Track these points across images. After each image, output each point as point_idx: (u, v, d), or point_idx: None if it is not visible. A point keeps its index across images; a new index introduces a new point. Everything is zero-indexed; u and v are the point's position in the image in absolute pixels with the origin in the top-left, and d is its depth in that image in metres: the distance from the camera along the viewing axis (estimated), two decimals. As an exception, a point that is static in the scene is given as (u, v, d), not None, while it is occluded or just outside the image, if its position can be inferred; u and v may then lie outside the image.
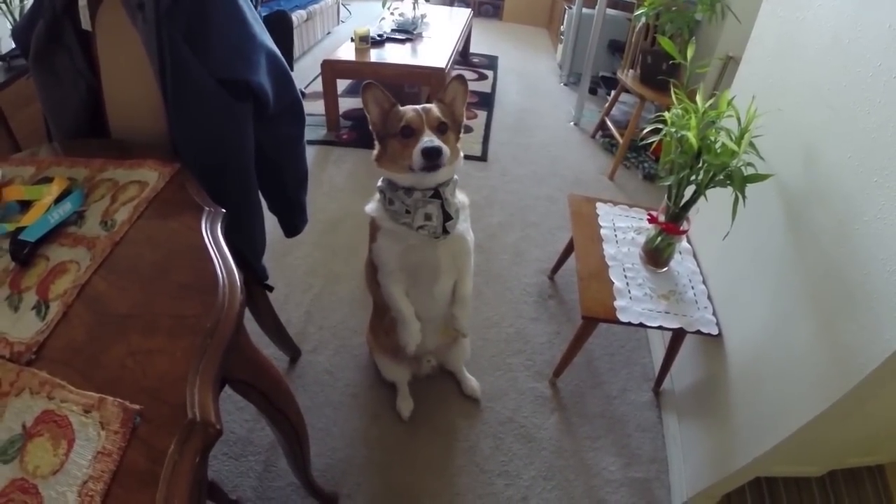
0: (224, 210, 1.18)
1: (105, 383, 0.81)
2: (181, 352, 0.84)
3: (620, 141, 3.77)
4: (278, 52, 1.54)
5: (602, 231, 2.24)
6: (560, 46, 5.76)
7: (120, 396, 0.79)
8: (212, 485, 1.64)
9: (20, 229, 1.09)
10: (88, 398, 0.79)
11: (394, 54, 4.26)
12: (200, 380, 0.80)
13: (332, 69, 4.02)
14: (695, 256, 2.14)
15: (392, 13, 4.84)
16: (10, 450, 0.76)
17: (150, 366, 0.84)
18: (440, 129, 1.48)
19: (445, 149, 1.43)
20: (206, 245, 1.04)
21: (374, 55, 4.18)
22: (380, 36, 4.43)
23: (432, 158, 1.41)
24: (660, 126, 1.81)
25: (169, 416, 0.76)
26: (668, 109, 1.79)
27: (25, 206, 1.18)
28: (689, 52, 1.79)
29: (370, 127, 1.57)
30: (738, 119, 1.58)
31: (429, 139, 1.43)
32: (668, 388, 2.26)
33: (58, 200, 1.17)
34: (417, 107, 1.51)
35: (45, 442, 0.76)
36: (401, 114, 1.50)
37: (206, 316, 0.89)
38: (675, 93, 1.79)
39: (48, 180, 1.24)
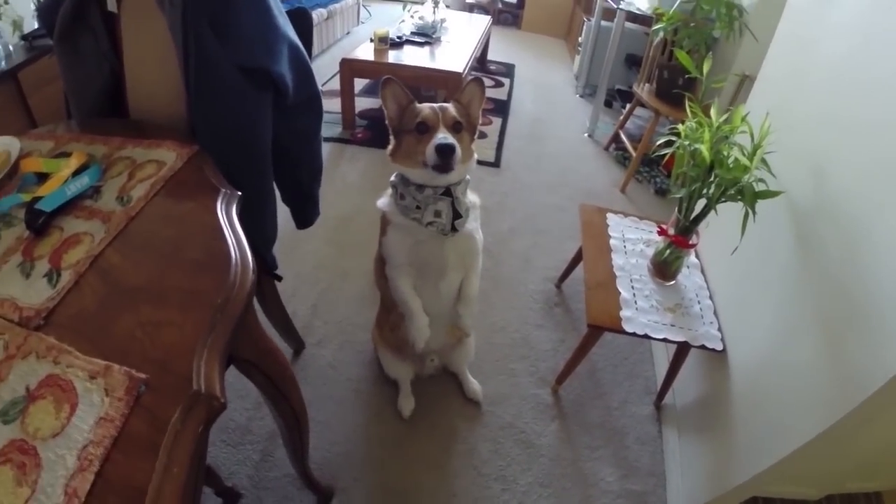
0: (239, 193, 1.19)
1: (113, 352, 0.82)
2: (190, 325, 0.85)
3: (633, 154, 3.77)
4: (301, 45, 1.55)
5: (611, 241, 2.24)
6: (577, 58, 5.77)
7: (127, 365, 0.79)
8: (208, 470, 1.65)
9: (36, 199, 1.10)
10: (94, 365, 0.80)
11: (412, 56, 4.28)
12: (208, 353, 0.80)
13: (350, 68, 4.04)
14: (702, 271, 2.14)
15: (412, 16, 4.87)
16: (12, 411, 0.76)
17: (159, 337, 0.85)
18: (455, 127, 1.50)
19: (458, 147, 1.44)
20: (220, 225, 1.05)
21: (393, 56, 4.21)
22: (399, 38, 4.45)
23: (445, 155, 1.42)
24: (673, 138, 1.81)
25: (174, 387, 0.77)
26: (683, 124, 1.80)
27: (42, 178, 1.20)
28: (706, 67, 1.79)
29: (386, 122, 1.58)
30: (752, 135, 1.58)
31: (443, 136, 1.44)
32: (669, 403, 2.25)
33: (75, 174, 1.19)
34: (434, 105, 1.52)
35: (48, 405, 0.77)
36: (417, 110, 1.51)
37: (218, 292, 0.90)
38: (690, 106, 1.79)
39: (66, 155, 1.25)
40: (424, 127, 1.48)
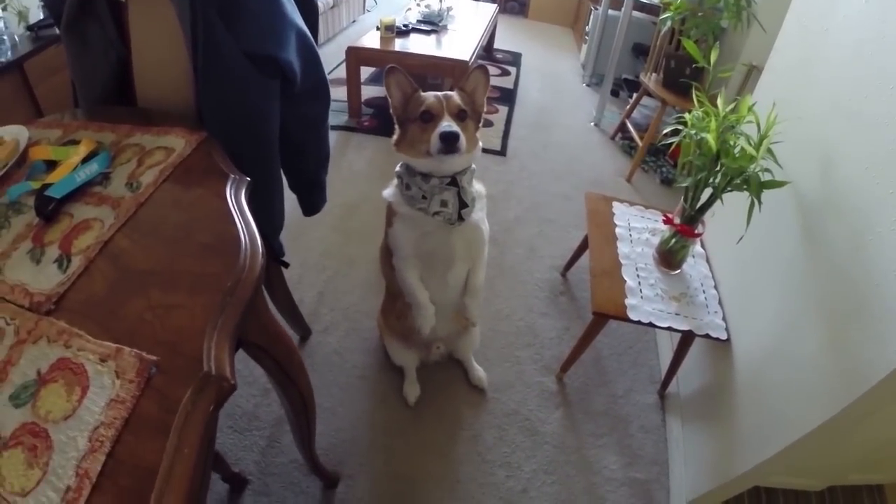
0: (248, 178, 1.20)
1: (123, 335, 0.83)
2: (200, 308, 0.86)
3: (640, 144, 3.76)
4: (308, 31, 1.55)
5: (617, 230, 2.25)
6: (584, 47, 5.75)
7: (137, 348, 0.80)
8: (216, 456, 1.66)
9: (46, 186, 1.11)
10: (105, 348, 0.81)
11: (418, 45, 4.27)
12: (218, 335, 0.81)
13: (356, 56, 4.04)
14: (708, 261, 2.14)
15: (418, 4, 4.85)
16: (24, 394, 0.77)
17: (169, 320, 0.85)
18: (459, 115, 1.50)
19: (463, 135, 1.45)
20: (229, 209, 1.05)
21: (399, 45, 4.21)
22: (405, 26, 4.44)
23: (449, 143, 1.42)
24: (680, 128, 1.81)
25: (185, 369, 0.78)
26: (689, 113, 1.79)
27: (51, 166, 1.20)
28: (713, 57, 1.79)
29: (391, 111, 1.58)
30: (758, 125, 1.58)
31: (447, 124, 1.44)
32: (673, 392, 2.26)
33: (84, 161, 1.19)
34: (438, 93, 1.52)
35: (59, 388, 0.78)
36: (422, 99, 1.51)
37: (227, 275, 0.90)
38: (697, 96, 1.79)
39: (75, 143, 1.26)
40: (429, 115, 1.48)
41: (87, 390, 0.77)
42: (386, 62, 4.10)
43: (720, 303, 1.94)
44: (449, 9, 4.87)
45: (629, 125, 4.08)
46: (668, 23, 3.35)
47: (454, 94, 1.53)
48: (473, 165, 1.59)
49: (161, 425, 0.72)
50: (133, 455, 0.71)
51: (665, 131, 1.93)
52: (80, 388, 0.77)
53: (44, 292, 0.92)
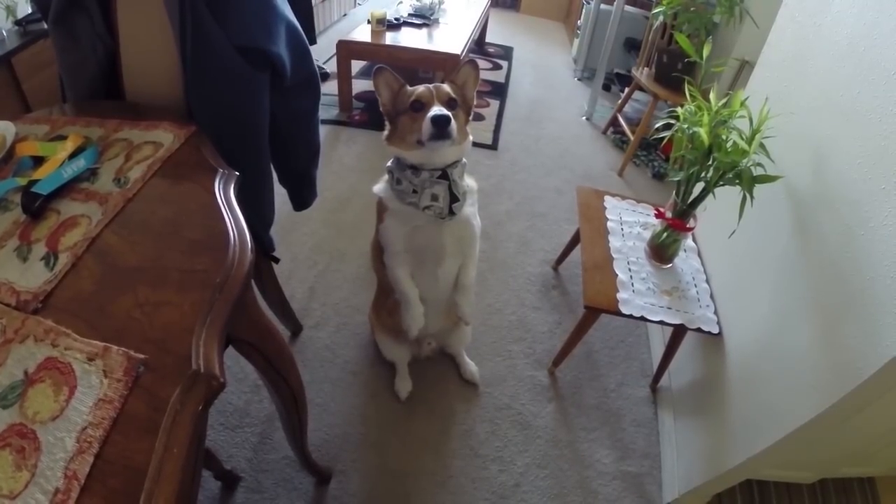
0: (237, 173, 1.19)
1: (111, 333, 0.82)
2: (189, 305, 0.85)
3: (631, 138, 3.76)
4: (298, 24, 1.54)
5: (609, 224, 2.25)
6: (576, 41, 5.73)
7: (126, 346, 0.79)
8: (207, 453, 1.65)
9: (33, 182, 1.10)
10: (93, 346, 0.80)
11: (409, 38, 4.24)
12: (207, 333, 0.80)
13: (347, 50, 4.02)
14: (699, 255, 2.14)
15: (410, -3, 4.83)
16: (11, 395, 0.76)
17: (158, 317, 0.85)
18: (449, 104, 1.50)
19: (454, 120, 1.44)
20: (218, 204, 1.04)
21: (390, 38, 4.18)
22: (396, 20, 4.41)
23: (441, 127, 1.42)
24: (672, 122, 1.81)
25: (173, 367, 0.77)
26: (682, 107, 1.79)
27: (39, 162, 1.19)
28: (706, 52, 1.79)
29: (381, 109, 1.58)
30: (751, 120, 1.58)
31: (438, 108, 1.44)
32: (665, 385, 2.26)
33: (72, 157, 1.18)
34: (428, 84, 1.52)
35: (47, 388, 0.77)
36: (411, 91, 1.52)
37: (216, 271, 0.90)
38: (689, 90, 1.78)
39: (62, 138, 1.24)
40: (419, 104, 1.48)
41: (75, 390, 0.76)
42: (377, 56, 4.13)
43: (712, 297, 1.95)
44: (440, 2, 4.84)
45: (621, 119, 4.08)
46: (661, 17, 3.35)
47: (443, 85, 1.54)
48: (464, 159, 1.59)
49: (150, 425, 0.71)
50: (122, 455, 0.70)
51: (657, 125, 1.93)
52: (68, 388, 0.76)
53: (31, 290, 0.91)
